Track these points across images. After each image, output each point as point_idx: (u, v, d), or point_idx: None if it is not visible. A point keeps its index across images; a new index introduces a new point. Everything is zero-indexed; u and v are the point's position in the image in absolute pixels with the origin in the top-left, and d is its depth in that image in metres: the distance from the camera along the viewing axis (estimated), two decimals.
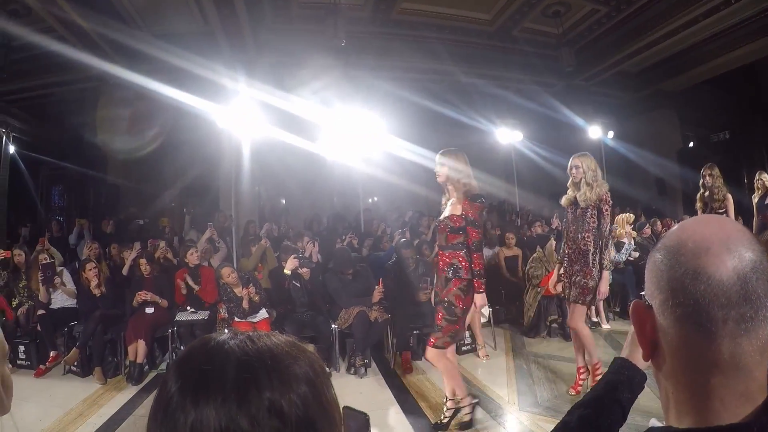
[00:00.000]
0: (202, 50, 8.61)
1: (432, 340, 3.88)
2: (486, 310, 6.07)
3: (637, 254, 7.34)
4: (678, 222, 5.79)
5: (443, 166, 3.91)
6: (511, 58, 10.76)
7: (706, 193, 6.07)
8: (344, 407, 1.41)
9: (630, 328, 0.93)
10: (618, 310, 7.28)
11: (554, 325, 6.38)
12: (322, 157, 9.82)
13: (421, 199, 12.23)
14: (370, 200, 13.30)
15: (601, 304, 6.78)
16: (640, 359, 0.92)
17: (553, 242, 6.87)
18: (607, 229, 4.31)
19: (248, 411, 0.56)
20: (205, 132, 9.03)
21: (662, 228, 8.39)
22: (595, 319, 6.70)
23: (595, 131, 11.56)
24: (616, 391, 1.16)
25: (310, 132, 8.93)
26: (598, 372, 4.29)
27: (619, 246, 7.13)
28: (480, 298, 3.85)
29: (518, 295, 6.93)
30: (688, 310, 0.66)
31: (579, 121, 11.45)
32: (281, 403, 0.57)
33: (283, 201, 12.88)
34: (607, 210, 4.28)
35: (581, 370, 4.50)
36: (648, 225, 8.37)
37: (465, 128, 11.19)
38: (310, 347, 0.70)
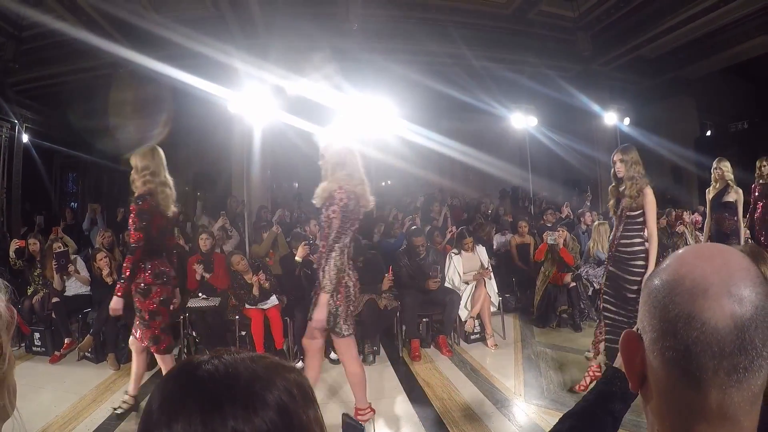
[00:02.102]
0: (212, 35, 8.60)
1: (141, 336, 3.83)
2: (496, 299, 6.06)
3: None
4: (692, 213, 5.57)
5: (134, 164, 3.73)
6: (527, 41, 10.59)
7: (622, 187, 4.29)
8: (343, 414, 1.43)
9: None
10: None
11: (564, 315, 6.36)
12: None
13: (435, 185, 12.21)
14: (383, 183, 13.30)
15: None
16: None
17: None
18: (332, 238, 3.12)
19: None
20: (216, 117, 9.05)
21: (675, 220, 8.21)
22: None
23: (611, 117, 11.33)
24: (607, 402, 1.14)
25: (323, 116, 8.90)
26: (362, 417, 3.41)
27: None
28: (114, 302, 3.61)
29: (529, 283, 6.89)
30: (677, 356, 0.62)
31: (594, 106, 11.24)
32: (244, 430, 0.58)
33: (296, 185, 12.91)
34: (334, 212, 3.10)
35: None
36: (664, 216, 8.23)
37: (478, 113, 11.10)
38: (295, 368, 0.70)
